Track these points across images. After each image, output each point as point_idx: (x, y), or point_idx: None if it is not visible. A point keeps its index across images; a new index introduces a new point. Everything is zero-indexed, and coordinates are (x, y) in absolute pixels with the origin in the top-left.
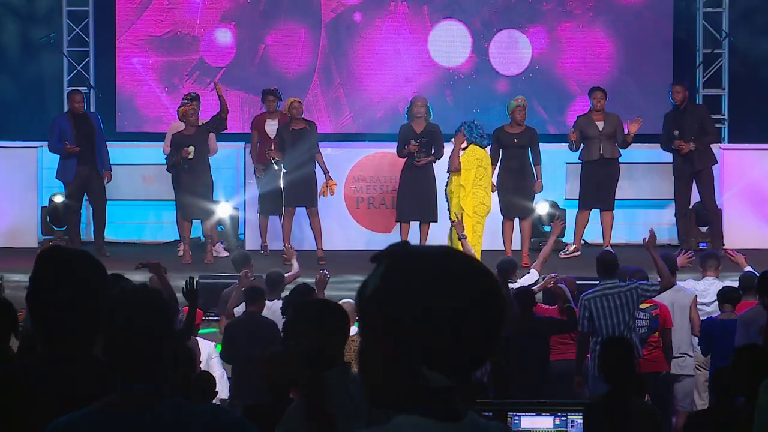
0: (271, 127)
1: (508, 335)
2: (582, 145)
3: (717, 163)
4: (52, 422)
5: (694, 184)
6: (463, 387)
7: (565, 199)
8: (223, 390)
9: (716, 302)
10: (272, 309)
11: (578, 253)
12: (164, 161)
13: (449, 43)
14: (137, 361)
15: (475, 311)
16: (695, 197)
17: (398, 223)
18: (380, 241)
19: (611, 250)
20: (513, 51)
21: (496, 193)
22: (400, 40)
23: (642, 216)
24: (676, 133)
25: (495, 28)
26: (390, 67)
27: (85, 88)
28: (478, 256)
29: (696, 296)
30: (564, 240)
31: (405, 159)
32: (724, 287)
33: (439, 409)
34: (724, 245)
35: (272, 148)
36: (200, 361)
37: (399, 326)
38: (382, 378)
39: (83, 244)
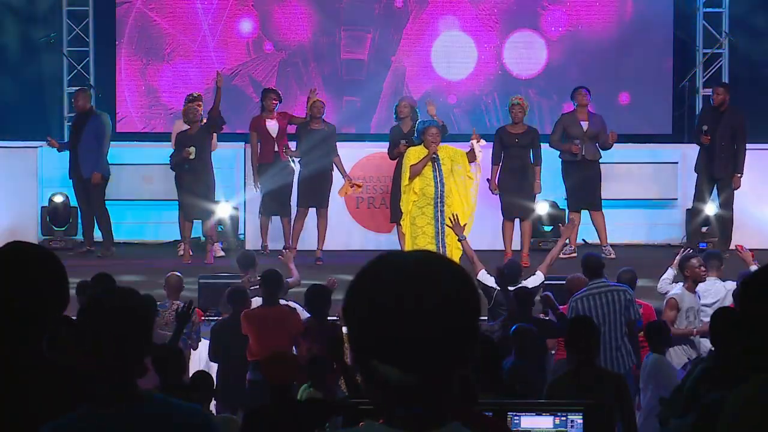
0: (272, 126)
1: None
2: (561, 143)
3: (741, 173)
4: (44, 426)
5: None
6: (430, 386)
7: (565, 199)
8: None
9: (718, 303)
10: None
11: (575, 254)
12: (164, 161)
13: (451, 47)
14: (108, 364)
15: (421, 303)
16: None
17: (395, 224)
18: (380, 241)
19: (595, 253)
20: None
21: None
22: (404, 40)
23: (644, 216)
24: (705, 128)
25: (498, 31)
26: (392, 67)
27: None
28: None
29: (673, 299)
30: None
31: (397, 159)
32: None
33: (403, 414)
34: (729, 249)
35: (287, 145)
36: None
37: (350, 317)
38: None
39: (82, 244)
